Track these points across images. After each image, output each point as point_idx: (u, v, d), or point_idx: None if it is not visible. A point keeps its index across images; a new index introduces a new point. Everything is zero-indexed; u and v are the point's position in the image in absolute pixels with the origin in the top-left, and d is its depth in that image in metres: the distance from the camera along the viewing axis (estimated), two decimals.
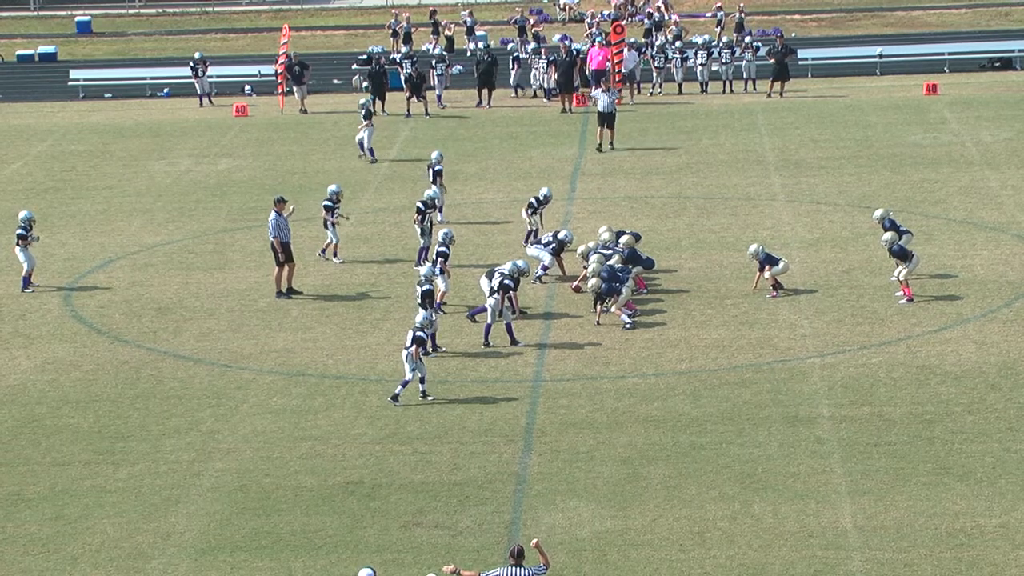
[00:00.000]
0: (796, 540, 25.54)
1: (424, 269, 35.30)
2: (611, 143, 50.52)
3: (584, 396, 31.64)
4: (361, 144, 51.89)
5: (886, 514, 26.18)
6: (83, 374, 33.92)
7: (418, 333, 31.30)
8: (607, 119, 50.09)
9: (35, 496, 28.22)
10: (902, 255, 35.31)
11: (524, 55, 61.03)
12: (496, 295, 34.49)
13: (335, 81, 60.56)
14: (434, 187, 42.46)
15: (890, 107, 55.66)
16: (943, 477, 27.45)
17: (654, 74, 60.05)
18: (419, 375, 31.21)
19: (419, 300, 33.73)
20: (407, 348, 31.18)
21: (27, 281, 38.93)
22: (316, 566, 25.17)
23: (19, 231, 38.97)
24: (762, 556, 25.11)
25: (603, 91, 51.44)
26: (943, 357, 32.84)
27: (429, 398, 31.48)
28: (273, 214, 38.48)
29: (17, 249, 39.00)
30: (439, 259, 36.75)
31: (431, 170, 43.63)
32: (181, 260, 41.16)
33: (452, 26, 67.16)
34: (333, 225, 39.97)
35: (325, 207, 40.01)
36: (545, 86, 59.57)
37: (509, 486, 27.85)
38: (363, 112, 52.18)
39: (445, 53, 61.42)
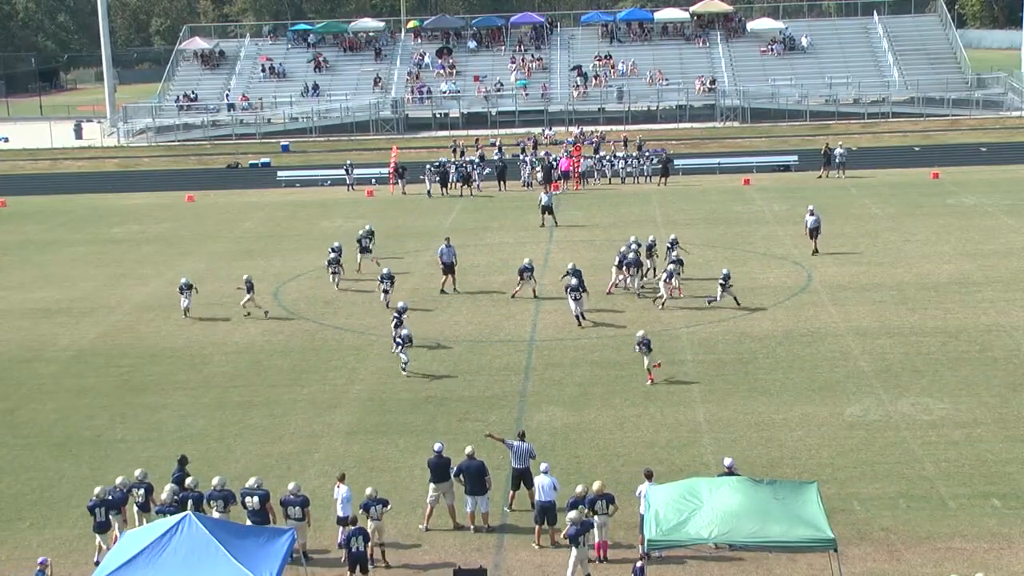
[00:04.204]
0: (672, 427, 25.88)
1: (400, 304, 32.74)
2: (555, 223, 48.18)
3: (558, 349, 31.69)
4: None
5: (722, 413, 26.55)
6: (284, 337, 34.03)
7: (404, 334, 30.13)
8: (548, 208, 48.37)
9: (258, 403, 28.59)
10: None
11: (525, 163, 60.69)
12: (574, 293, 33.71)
13: (421, 176, 60.38)
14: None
15: (724, 191, 55.72)
16: (753, 392, 27.80)
17: (595, 173, 60.01)
18: (404, 359, 30.02)
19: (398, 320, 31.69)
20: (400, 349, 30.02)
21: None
22: (411, 441, 25.48)
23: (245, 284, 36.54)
24: (654, 436, 25.47)
25: (544, 192, 50.74)
26: (753, 327, 32.98)
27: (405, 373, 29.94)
28: (443, 245, 38.24)
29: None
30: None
31: (361, 242, 41.16)
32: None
33: (484, 147, 67.21)
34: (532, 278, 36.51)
35: (525, 268, 36.33)
36: (528, 180, 59.15)
37: (516, 399, 28.06)
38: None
39: (481, 160, 61.42)
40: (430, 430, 25.95)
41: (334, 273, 38.79)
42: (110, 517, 20.85)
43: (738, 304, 34.67)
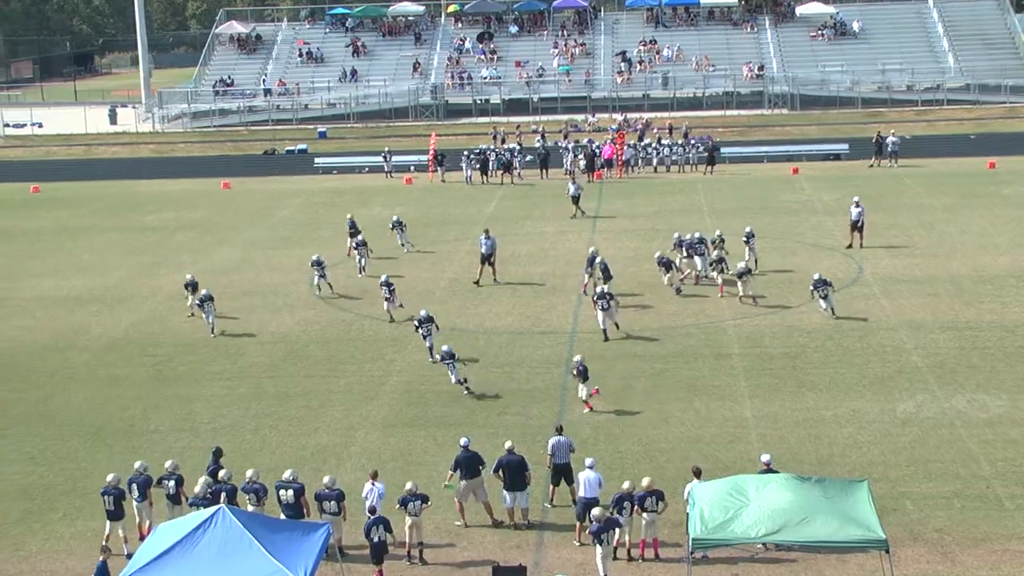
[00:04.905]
0: (718, 423, 25.60)
1: (422, 312, 30.64)
2: (582, 213, 47.94)
3: (600, 341, 31.43)
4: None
5: (769, 408, 26.22)
6: (320, 327, 34.05)
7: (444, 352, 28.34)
8: (575, 199, 48.21)
9: (294, 394, 28.55)
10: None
11: (567, 150, 60.29)
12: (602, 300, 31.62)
13: (460, 164, 60.22)
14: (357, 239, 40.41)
15: (772, 180, 55.28)
16: (801, 388, 27.47)
17: (640, 160, 59.70)
18: (457, 376, 28.10)
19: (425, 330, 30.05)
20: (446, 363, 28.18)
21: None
22: (449, 435, 25.00)
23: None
24: (699, 431, 25.20)
25: (572, 183, 49.79)
26: (801, 320, 32.65)
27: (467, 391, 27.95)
28: (482, 236, 38.09)
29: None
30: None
31: (351, 228, 41.57)
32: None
33: (525, 134, 66.92)
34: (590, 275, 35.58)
35: (592, 259, 35.68)
36: (570, 168, 58.41)
37: (557, 392, 27.87)
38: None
39: (521, 147, 61.21)
40: (469, 423, 25.77)
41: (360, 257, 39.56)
42: (123, 505, 20.79)
43: (834, 315, 32.54)
